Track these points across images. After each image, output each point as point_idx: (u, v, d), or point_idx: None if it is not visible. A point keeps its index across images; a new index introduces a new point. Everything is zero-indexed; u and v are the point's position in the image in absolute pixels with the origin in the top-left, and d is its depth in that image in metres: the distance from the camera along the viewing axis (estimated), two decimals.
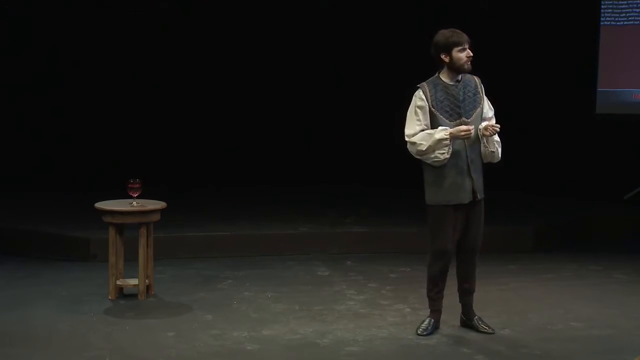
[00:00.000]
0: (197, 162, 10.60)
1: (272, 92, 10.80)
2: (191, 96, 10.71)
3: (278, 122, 10.81)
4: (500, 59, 9.83)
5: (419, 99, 5.61)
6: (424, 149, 5.54)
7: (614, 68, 10.22)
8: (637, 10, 10.15)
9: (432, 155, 5.55)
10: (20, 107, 10.40)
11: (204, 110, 10.75)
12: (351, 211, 9.06)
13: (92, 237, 7.77)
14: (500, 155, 5.71)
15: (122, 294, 6.68)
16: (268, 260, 7.84)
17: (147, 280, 6.62)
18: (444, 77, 5.65)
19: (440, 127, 5.54)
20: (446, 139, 5.50)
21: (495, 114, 5.77)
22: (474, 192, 5.65)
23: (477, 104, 5.67)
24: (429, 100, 5.59)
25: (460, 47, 5.54)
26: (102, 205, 6.57)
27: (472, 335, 5.82)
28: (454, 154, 5.56)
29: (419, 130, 5.57)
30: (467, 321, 5.92)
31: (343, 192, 10.15)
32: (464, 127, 5.51)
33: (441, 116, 5.58)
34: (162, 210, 6.63)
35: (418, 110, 5.60)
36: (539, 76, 10.44)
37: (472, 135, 5.55)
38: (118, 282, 6.63)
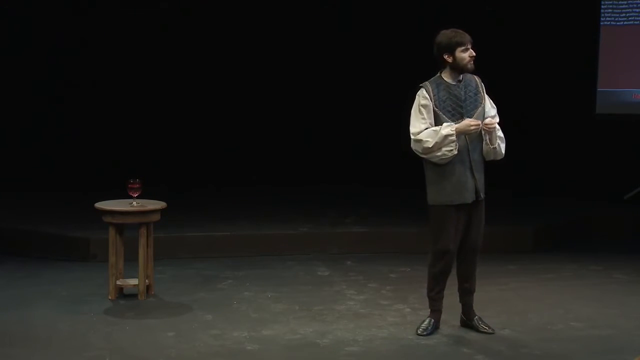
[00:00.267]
0: (197, 162, 10.60)
1: (271, 92, 10.81)
2: (191, 96, 10.71)
3: (278, 122, 10.81)
4: (501, 59, 9.83)
5: (423, 97, 5.61)
6: (430, 146, 5.54)
7: (614, 68, 10.22)
8: (637, 10, 10.15)
9: (439, 153, 5.54)
10: (20, 107, 10.40)
11: (203, 110, 10.75)
12: (351, 211, 9.06)
13: (92, 237, 7.77)
14: (503, 152, 5.69)
15: (122, 294, 6.68)
16: (268, 260, 7.84)
17: (147, 280, 6.62)
18: (446, 76, 5.65)
19: (445, 124, 5.54)
20: (452, 134, 5.50)
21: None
22: (476, 191, 5.65)
23: (478, 103, 5.67)
24: (432, 100, 5.59)
25: (463, 47, 5.55)
26: (102, 205, 6.57)
27: (472, 335, 5.82)
28: (458, 154, 5.56)
29: (424, 128, 5.57)
30: (467, 321, 5.92)
31: (343, 192, 10.15)
32: (472, 122, 5.51)
33: (444, 116, 5.58)
34: (162, 210, 6.63)
35: (422, 109, 5.60)
36: (539, 76, 10.44)
37: (479, 129, 5.55)
38: (118, 282, 6.63)
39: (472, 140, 5.61)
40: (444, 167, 5.59)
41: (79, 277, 7.24)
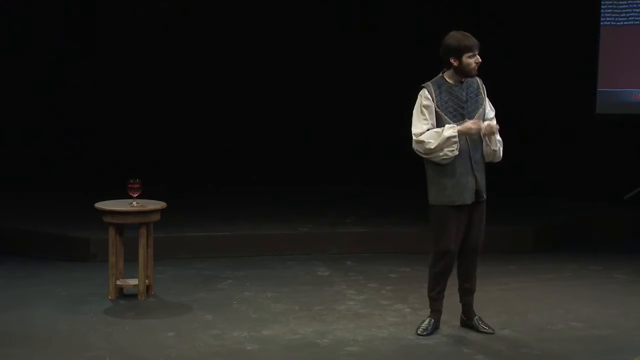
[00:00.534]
0: (197, 162, 10.59)
1: (272, 92, 10.80)
2: (191, 96, 10.70)
3: (278, 122, 10.80)
4: (501, 59, 9.82)
5: (425, 98, 5.61)
6: (432, 147, 5.54)
7: (614, 68, 10.22)
8: (637, 10, 10.15)
9: (441, 154, 5.55)
10: (20, 107, 10.39)
11: (203, 110, 10.74)
12: (351, 211, 9.06)
13: (92, 237, 7.77)
14: (501, 155, 5.72)
15: (122, 294, 6.68)
16: (268, 260, 7.84)
17: (147, 280, 6.62)
18: (449, 78, 5.65)
19: (447, 125, 5.54)
20: (455, 136, 5.51)
21: (496, 114, 5.77)
22: (477, 192, 5.65)
23: (479, 104, 5.68)
24: (434, 101, 5.59)
25: (471, 53, 5.55)
26: (102, 205, 6.57)
27: (472, 335, 5.82)
28: (459, 155, 5.56)
29: (426, 129, 5.58)
30: (467, 321, 5.92)
31: (343, 192, 10.15)
32: (474, 124, 5.51)
33: (445, 117, 5.59)
34: (162, 210, 6.63)
35: (424, 110, 5.60)
36: (539, 76, 10.43)
37: (480, 130, 5.55)
38: (118, 282, 6.63)
39: (474, 141, 5.62)
40: (445, 167, 5.60)
41: (79, 277, 7.24)
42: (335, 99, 10.80)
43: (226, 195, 10.05)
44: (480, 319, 5.91)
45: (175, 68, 10.60)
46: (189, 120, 10.70)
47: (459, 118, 5.60)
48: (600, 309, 6.47)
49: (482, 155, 5.69)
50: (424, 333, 5.80)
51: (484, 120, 5.68)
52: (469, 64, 5.57)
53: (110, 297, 6.59)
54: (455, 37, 5.59)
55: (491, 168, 5.81)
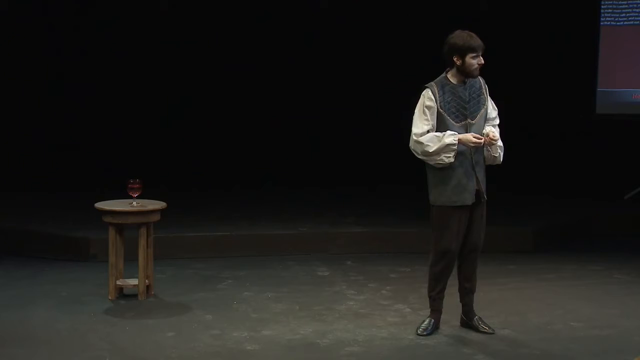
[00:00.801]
0: (197, 162, 10.59)
1: (272, 92, 10.80)
2: (191, 97, 10.70)
3: (278, 122, 10.80)
4: (501, 59, 9.81)
5: (428, 98, 5.61)
6: (430, 151, 5.54)
7: (614, 68, 10.23)
8: (637, 10, 10.15)
9: (438, 158, 5.55)
10: (20, 107, 10.39)
11: (203, 110, 10.75)
12: (351, 211, 9.06)
13: (92, 237, 7.77)
14: (501, 160, 5.73)
15: (122, 294, 6.68)
16: (268, 260, 7.84)
17: (147, 280, 6.62)
18: (452, 77, 5.65)
19: (449, 132, 5.54)
20: (454, 144, 5.51)
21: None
22: (478, 193, 5.65)
23: (481, 105, 5.68)
24: (437, 101, 5.59)
25: (474, 54, 5.54)
26: (102, 205, 6.57)
27: (472, 335, 5.82)
28: (460, 155, 5.56)
29: (427, 130, 5.57)
30: (467, 321, 5.92)
31: (343, 192, 10.15)
32: (475, 138, 5.52)
33: (448, 117, 5.58)
34: (162, 210, 6.63)
35: (426, 110, 5.60)
36: (539, 76, 10.45)
37: (480, 145, 5.56)
38: (118, 282, 6.63)
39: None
40: (445, 168, 5.59)
41: (79, 277, 7.24)
42: (335, 99, 10.81)
43: (226, 195, 10.05)
44: (480, 319, 5.91)
45: (176, 69, 10.60)
46: (188, 120, 10.71)
47: (461, 118, 5.60)
48: (600, 309, 6.47)
49: (482, 156, 5.70)
50: (424, 333, 5.80)
51: (486, 120, 5.69)
52: (471, 65, 5.57)
53: (110, 297, 6.59)
54: (460, 36, 5.59)
55: (491, 168, 5.82)
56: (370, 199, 9.95)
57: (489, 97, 5.75)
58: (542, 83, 10.43)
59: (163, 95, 10.58)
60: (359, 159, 10.66)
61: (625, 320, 6.19)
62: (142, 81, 10.50)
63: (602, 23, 10.21)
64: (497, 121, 5.76)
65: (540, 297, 6.77)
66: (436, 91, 5.61)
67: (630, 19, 10.17)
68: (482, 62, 5.58)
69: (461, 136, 5.54)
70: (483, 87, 5.74)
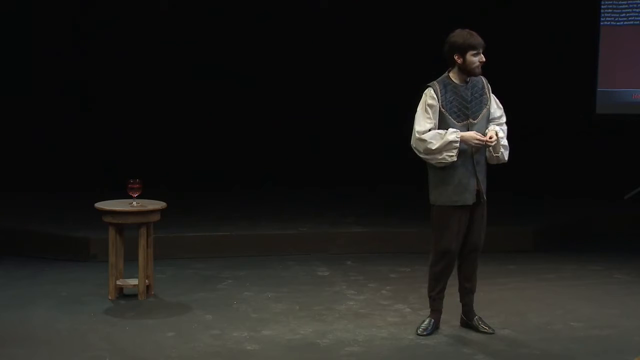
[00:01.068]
0: (197, 162, 10.59)
1: (272, 92, 10.80)
2: (191, 97, 10.70)
3: (278, 122, 10.80)
4: (501, 59, 9.81)
5: (430, 97, 5.61)
6: (433, 148, 5.53)
7: (614, 68, 10.23)
8: (637, 10, 10.16)
9: (440, 157, 5.54)
10: (20, 108, 10.39)
11: (204, 110, 10.74)
12: (351, 211, 9.06)
13: (92, 237, 7.77)
14: (506, 158, 5.71)
15: (122, 294, 6.68)
16: (268, 260, 7.84)
17: (147, 280, 6.62)
18: (454, 77, 5.65)
19: (451, 129, 5.54)
20: (457, 141, 5.50)
21: None
22: (478, 193, 5.65)
23: (483, 104, 5.67)
24: (440, 100, 5.59)
25: (475, 51, 5.54)
26: (102, 205, 6.57)
27: (472, 335, 5.82)
28: (461, 155, 5.56)
29: (429, 128, 5.57)
30: (467, 321, 5.92)
31: (343, 192, 10.15)
32: (478, 137, 5.51)
33: (450, 117, 5.58)
34: (162, 210, 6.63)
35: (428, 109, 5.60)
36: (539, 76, 10.44)
37: (481, 145, 5.56)
38: (118, 282, 6.63)
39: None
40: (447, 167, 5.59)
41: (79, 277, 7.24)
42: (336, 100, 10.80)
43: (226, 195, 10.05)
44: (480, 319, 5.91)
45: (176, 68, 10.60)
46: (188, 120, 10.70)
47: (463, 118, 5.60)
48: (600, 309, 6.47)
49: (484, 156, 5.69)
50: (424, 333, 5.80)
51: (489, 120, 5.68)
52: (472, 62, 5.56)
53: (110, 297, 6.59)
54: (460, 34, 5.59)
55: (491, 167, 5.81)
56: (370, 199, 9.95)
57: (492, 97, 5.74)
58: (542, 83, 10.43)
59: (163, 95, 10.57)
60: (359, 159, 10.66)
61: (625, 320, 6.19)
62: (142, 81, 10.49)
63: (602, 23, 10.21)
64: (504, 119, 5.74)
65: (540, 297, 6.77)
66: (438, 90, 5.61)
67: (630, 19, 10.17)
68: (484, 59, 5.57)
69: (464, 134, 5.54)
70: (486, 86, 5.73)
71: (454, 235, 5.66)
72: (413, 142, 5.63)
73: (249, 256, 7.93)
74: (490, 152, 5.65)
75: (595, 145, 10.41)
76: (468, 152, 5.60)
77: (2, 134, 10.31)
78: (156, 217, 6.62)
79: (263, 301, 6.60)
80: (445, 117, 5.59)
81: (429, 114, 5.60)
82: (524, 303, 6.59)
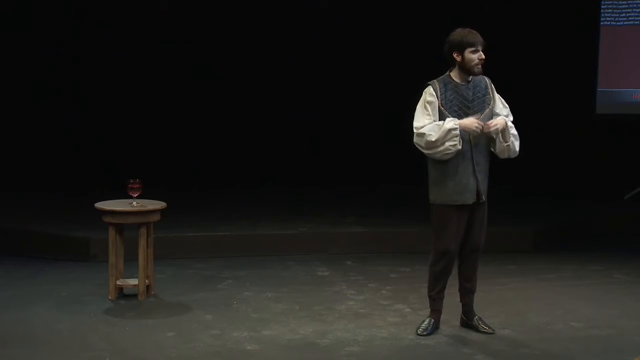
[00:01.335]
0: (197, 162, 10.59)
1: (272, 92, 10.80)
2: (191, 97, 10.70)
3: (278, 122, 10.80)
4: (501, 59, 9.81)
5: (429, 94, 5.61)
6: (433, 140, 5.50)
7: (614, 68, 10.23)
8: (637, 10, 10.16)
9: (442, 147, 5.50)
10: (20, 108, 10.40)
11: (204, 110, 10.74)
12: (351, 211, 9.06)
13: (92, 237, 7.77)
14: (517, 150, 5.66)
15: (122, 294, 6.68)
16: (268, 260, 7.84)
17: (147, 280, 6.62)
18: (455, 76, 5.64)
19: (448, 118, 5.51)
20: (455, 128, 5.47)
21: None
22: (478, 193, 5.64)
23: (485, 104, 5.66)
24: (439, 98, 5.59)
25: (473, 49, 5.53)
26: (102, 205, 6.57)
27: (472, 335, 5.82)
28: (459, 154, 5.55)
29: (428, 123, 5.56)
30: (467, 321, 5.92)
31: (343, 192, 10.15)
32: (477, 121, 5.48)
33: (449, 115, 5.57)
34: (162, 210, 6.63)
35: (427, 105, 5.60)
36: (539, 76, 10.44)
37: (480, 129, 5.53)
38: (118, 282, 6.63)
39: (477, 142, 5.61)
40: (446, 167, 5.59)
41: (79, 277, 7.24)
42: (335, 100, 10.80)
43: (226, 195, 10.05)
44: (480, 319, 5.91)
45: (176, 68, 10.60)
46: (188, 121, 10.70)
47: (463, 117, 5.58)
48: (600, 309, 6.47)
49: (485, 157, 5.68)
50: (424, 333, 5.80)
51: (492, 119, 5.67)
52: (471, 60, 5.55)
53: (110, 297, 6.59)
54: (459, 32, 5.58)
55: (491, 167, 5.80)
56: (370, 199, 9.95)
57: (497, 96, 5.73)
58: (542, 83, 10.43)
59: (163, 95, 10.57)
60: (359, 159, 10.66)
61: (625, 320, 6.19)
62: (142, 81, 10.49)
63: (602, 23, 10.21)
64: (511, 118, 5.71)
65: (540, 297, 6.77)
66: (437, 88, 5.61)
67: (630, 19, 10.18)
68: (483, 57, 5.55)
69: (463, 120, 5.51)
70: (489, 86, 5.72)
71: (453, 235, 5.66)
72: (414, 139, 5.62)
73: (249, 256, 7.93)
74: (501, 142, 5.58)
75: (595, 145, 10.41)
76: (468, 152, 5.59)
77: (2, 134, 10.30)
78: (156, 217, 6.63)
79: (263, 301, 6.60)
80: (445, 115, 5.57)
81: (428, 110, 5.59)
82: (524, 303, 6.59)
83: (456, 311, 5.98)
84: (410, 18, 10.68)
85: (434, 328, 5.85)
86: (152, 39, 10.52)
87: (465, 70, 5.59)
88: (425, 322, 5.86)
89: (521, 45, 10.35)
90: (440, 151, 5.53)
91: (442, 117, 5.59)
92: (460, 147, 5.50)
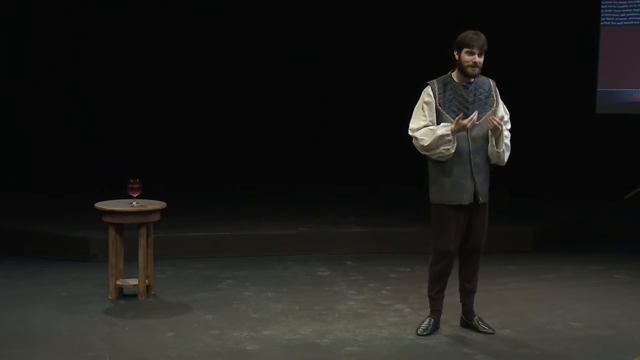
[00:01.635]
0: (197, 162, 10.59)
1: (272, 92, 10.80)
2: (191, 97, 10.70)
3: (278, 122, 10.80)
4: (501, 59, 9.81)
5: (427, 95, 5.61)
6: (426, 145, 5.55)
7: (614, 68, 10.23)
8: (637, 10, 10.16)
9: (437, 151, 5.55)
10: (20, 108, 10.40)
11: (204, 110, 10.74)
12: (351, 211, 9.06)
13: (92, 237, 7.77)
14: (506, 160, 5.68)
15: (122, 294, 6.68)
16: (268, 260, 7.84)
17: (147, 280, 6.62)
18: (455, 76, 5.64)
19: (442, 124, 5.54)
20: (448, 134, 5.49)
21: None
22: (475, 194, 5.64)
23: (488, 107, 5.65)
24: (437, 98, 5.59)
25: (469, 50, 5.53)
26: (102, 205, 6.57)
27: (472, 335, 5.82)
28: (457, 155, 5.56)
29: (423, 125, 5.58)
30: (467, 321, 5.92)
31: (343, 192, 10.15)
32: (464, 121, 5.48)
33: (447, 115, 5.57)
34: (162, 210, 6.63)
35: (424, 106, 5.61)
36: (539, 76, 10.44)
37: (474, 121, 5.50)
38: (118, 282, 6.63)
39: (476, 143, 5.60)
40: (444, 166, 5.60)
41: (79, 277, 7.24)
42: (335, 100, 10.81)
43: (226, 195, 10.05)
44: (480, 319, 5.91)
45: (176, 68, 10.60)
46: (189, 121, 10.70)
47: (462, 118, 5.58)
48: (600, 309, 6.47)
49: (485, 159, 5.67)
50: (424, 333, 5.80)
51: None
52: (465, 61, 5.55)
53: (110, 297, 6.59)
54: (464, 33, 5.59)
55: (492, 168, 5.80)
56: (370, 199, 9.95)
57: (500, 101, 5.71)
58: (542, 83, 10.43)
59: (163, 95, 10.57)
60: (359, 159, 10.66)
61: (625, 320, 6.19)
62: (142, 81, 10.49)
63: (602, 23, 10.22)
64: (509, 125, 5.72)
65: (540, 297, 6.77)
66: (436, 88, 5.61)
67: (630, 19, 10.18)
68: (476, 60, 5.53)
69: (452, 126, 5.48)
70: (493, 90, 5.71)
71: (452, 236, 5.66)
72: (413, 140, 5.65)
73: (249, 256, 7.93)
74: (493, 146, 5.60)
75: (595, 145, 10.41)
76: (465, 153, 5.59)
77: (2, 134, 10.31)
78: (156, 217, 6.63)
79: (263, 301, 6.60)
80: (443, 115, 5.58)
81: (424, 111, 5.61)
82: (524, 303, 6.59)
83: (456, 311, 5.98)
84: (411, 18, 10.67)
85: (434, 328, 5.85)
86: (152, 39, 10.52)
87: (461, 70, 5.60)
88: (425, 322, 5.87)
89: (521, 45, 10.34)
90: (435, 154, 5.58)
91: (439, 117, 5.59)
92: (453, 150, 5.52)
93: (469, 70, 5.56)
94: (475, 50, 5.53)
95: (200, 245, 8.01)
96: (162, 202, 6.66)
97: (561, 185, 10.15)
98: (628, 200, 9.88)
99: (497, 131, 5.55)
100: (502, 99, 5.78)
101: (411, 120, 5.65)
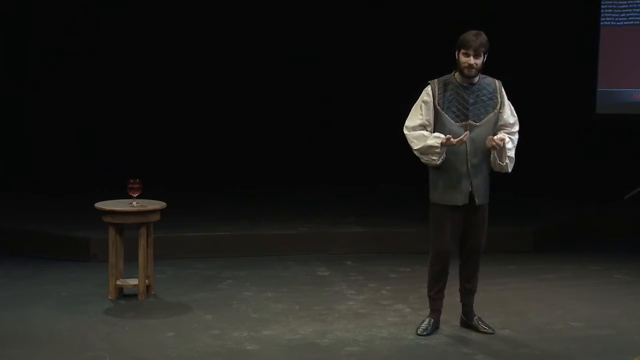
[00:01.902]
0: (197, 162, 10.59)
1: (272, 92, 10.80)
2: (191, 97, 10.70)
3: (278, 122, 10.80)
4: (500, 59, 9.81)
5: (426, 94, 5.62)
6: (415, 148, 5.60)
7: (614, 68, 10.23)
8: (637, 10, 10.16)
9: (426, 158, 5.59)
10: (20, 108, 10.40)
11: (203, 110, 10.75)
12: (351, 211, 9.06)
13: (92, 237, 7.77)
14: (509, 170, 5.65)
15: (122, 294, 6.68)
16: (268, 260, 7.84)
17: (147, 280, 6.62)
18: (457, 76, 5.63)
19: (435, 134, 5.54)
20: (437, 147, 5.50)
21: None
22: (471, 196, 5.63)
23: (490, 109, 5.63)
24: (435, 98, 5.58)
25: (465, 51, 5.52)
26: (102, 205, 6.57)
27: (472, 335, 5.82)
28: (455, 156, 5.55)
29: (419, 124, 5.58)
30: (467, 321, 5.92)
31: (343, 192, 10.15)
32: (453, 140, 5.47)
33: (446, 115, 5.57)
34: (162, 210, 6.63)
35: (422, 105, 5.61)
36: (539, 76, 10.44)
37: (464, 141, 5.49)
38: (118, 282, 6.63)
39: (475, 145, 5.59)
40: (441, 166, 5.60)
41: (79, 277, 7.24)
42: (335, 100, 10.81)
43: (226, 195, 10.05)
44: (480, 319, 5.91)
45: (176, 68, 10.60)
46: (189, 120, 10.70)
47: (462, 119, 5.58)
48: (600, 309, 6.47)
49: (484, 161, 5.65)
50: (424, 333, 5.80)
51: (496, 125, 5.63)
52: (461, 62, 5.55)
53: (110, 297, 6.59)
54: (465, 33, 5.57)
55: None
56: (370, 199, 9.95)
57: (507, 103, 5.69)
58: (542, 83, 10.43)
59: (163, 95, 10.58)
60: (359, 159, 10.66)
61: (625, 320, 6.19)
62: (142, 81, 10.49)
63: (602, 23, 10.21)
64: (516, 128, 5.69)
65: (540, 297, 6.77)
66: (436, 87, 5.61)
67: (630, 19, 10.18)
68: (472, 62, 5.50)
69: (443, 139, 5.46)
70: (498, 90, 5.68)
71: (448, 236, 5.66)
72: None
73: (249, 256, 7.93)
74: (495, 157, 5.60)
75: (595, 145, 10.41)
76: (462, 153, 5.58)
77: (2, 134, 10.31)
78: (156, 217, 6.63)
79: (263, 301, 6.60)
80: (442, 115, 5.58)
81: (421, 110, 5.61)
82: (524, 303, 6.59)
83: (456, 311, 5.98)
84: (411, 18, 10.67)
85: (434, 328, 5.85)
86: (152, 39, 10.52)
87: (460, 70, 5.59)
88: (425, 322, 5.87)
89: (521, 45, 10.34)
90: (423, 159, 5.62)
91: (439, 117, 5.58)
92: (439, 163, 5.53)
93: (465, 71, 5.56)
94: (471, 52, 5.51)
95: (200, 245, 8.01)
96: (162, 202, 6.66)
97: (561, 185, 10.15)
98: (628, 200, 9.88)
99: (495, 150, 5.55)
100: (512, 107, 5.74)
101: (408, 117, 5.66)
